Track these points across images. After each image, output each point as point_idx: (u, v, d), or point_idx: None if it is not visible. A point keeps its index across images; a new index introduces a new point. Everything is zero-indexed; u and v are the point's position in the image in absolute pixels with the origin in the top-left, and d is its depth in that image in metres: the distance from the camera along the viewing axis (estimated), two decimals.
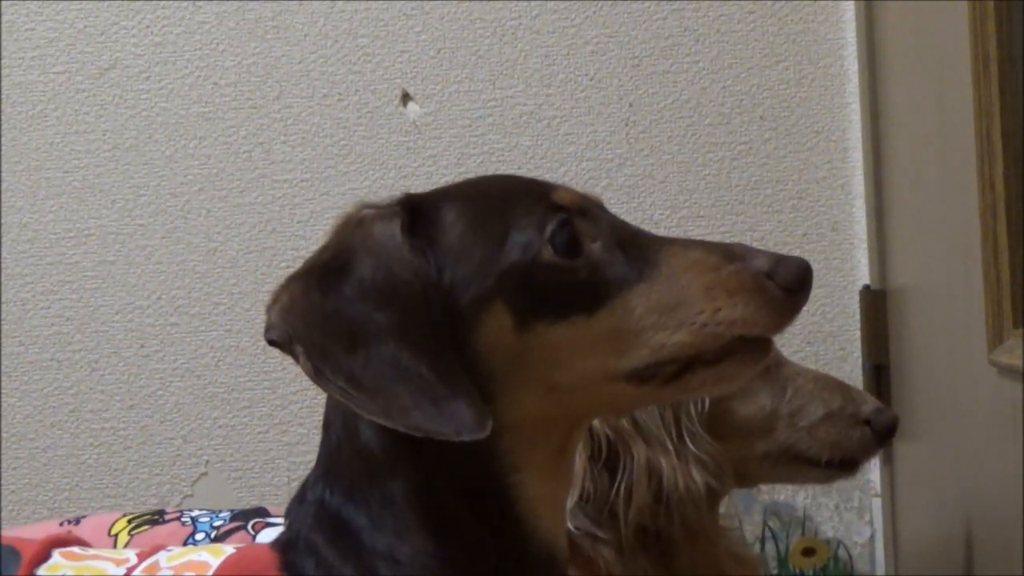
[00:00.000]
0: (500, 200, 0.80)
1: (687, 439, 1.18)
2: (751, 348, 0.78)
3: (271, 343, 0.76)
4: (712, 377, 0.78)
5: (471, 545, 0.78)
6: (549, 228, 0.77)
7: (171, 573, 0.83)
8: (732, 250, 0.79)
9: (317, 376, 0.73)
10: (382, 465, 0.78)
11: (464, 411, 0.72)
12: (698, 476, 1.16)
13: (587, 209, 0.80)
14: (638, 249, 0.79)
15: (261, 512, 1.22)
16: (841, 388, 1.26)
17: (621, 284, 0.77)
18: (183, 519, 1.21)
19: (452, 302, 0.76)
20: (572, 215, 0.78)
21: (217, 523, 1.20)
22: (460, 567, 0.77)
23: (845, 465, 1.25)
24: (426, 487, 0.77)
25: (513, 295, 0.76)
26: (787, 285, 0.77)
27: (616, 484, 1.14)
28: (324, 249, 0.79)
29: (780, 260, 0.77)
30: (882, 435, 1.25)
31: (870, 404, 1.25)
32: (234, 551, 0.84)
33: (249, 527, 1.18)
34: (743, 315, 0.77)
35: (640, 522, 1.14)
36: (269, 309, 0.76)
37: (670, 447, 1.16)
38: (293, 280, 0.77)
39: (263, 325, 0.77)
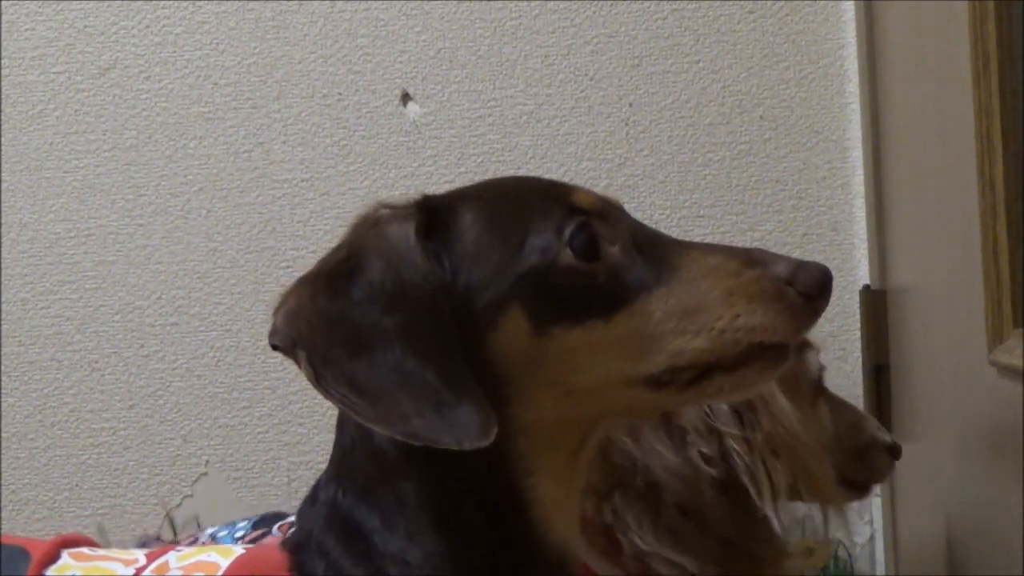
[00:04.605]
0: (518, 202, 0.80)
1: None
2: (770, 355, 0.78)
3: (274, 348, 0.75)
4: (730, 384, 0.78)
5: (483, 548, 0.78)
6: (568, 231, 0.77)
7: (181, 573, 0.83)
8: (752, 255, 0.78)
9: (318, 382, 0.73)
10: (395, 467, 0.78)
11: (469, 417, 0.72)
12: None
13: (606, 212, 0.79)
14: (657, 253, 0.78)
15: (281, 515, 1.21)
16: (866, 417, 1.31)
17: (640, 288, 0.77)
18: (201, 541, 1.19)
19: (467, 305, 0.75)
20: (591, 218, 0.78)
21: (238, 534, 1.18)
22: (471, 570, 0.77)
23: (864, 488, 1.31)
24: (439, 489, 0.77)
25: (530, 299, 0.75)
26: (807, 291, 0.77)
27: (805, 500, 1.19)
28: (337, 249, 0.79)
29: (800, 266, 0.77)
30: (895, 460, 1.31)
31: (884, 432, 1.30)
32: (244, 551, 0.84)
33: (275, 530, 1.17)
34: (762, 322, 0.76)
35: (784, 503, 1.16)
36: (275, 313, 0.76)
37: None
38: (302, 283, 0.77)
39: (267, 327, 0.76)
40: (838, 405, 1.29)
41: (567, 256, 0.76)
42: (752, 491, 1.11)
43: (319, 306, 0.75)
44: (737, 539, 1.12)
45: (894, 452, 1.30)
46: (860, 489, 1.30)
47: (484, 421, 0.72)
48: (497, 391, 0.75)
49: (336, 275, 0.76)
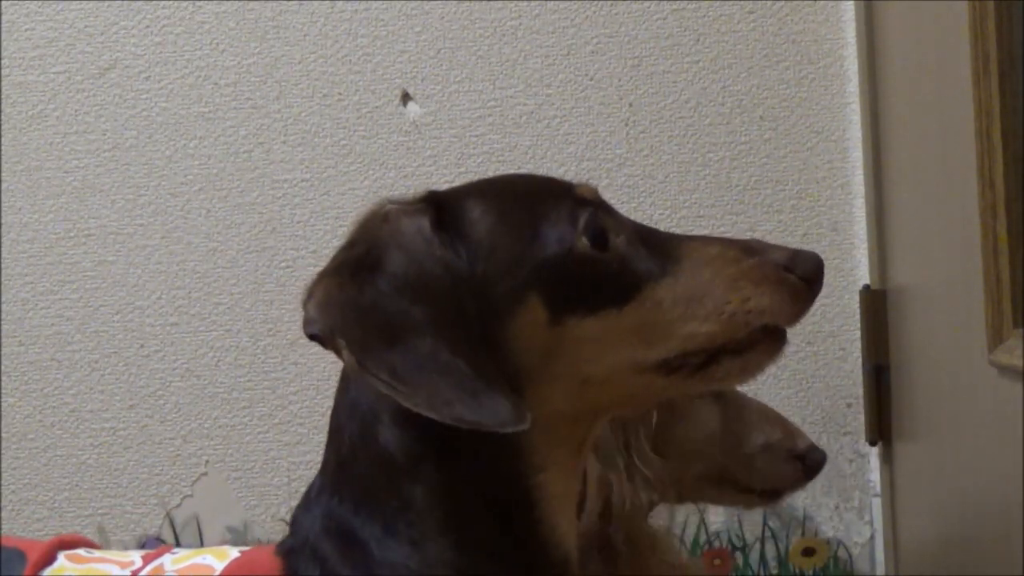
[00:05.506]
0: (525, 195, 0.81)
1: (636, 459, 1.22)
2: (772, 338, 0.81)
3: (312, 337, 0.75)
4: (737, 367, 0.81)
5: (491, 550, 0.77)
6: (581, 221, 0.78)
7: None
8: (749, 244, 0.82)
9: (361, 370, 0.73)
10: (402, 470, 0.77)
11: (502, 405, 0.73)
12: (643, 494, 1.21)
13: (607, 205, 0.81)
14: (658, 244, 0.80)
15: None
16: (780, 422, 1.31)
17: (647, 277, 0.79)
18: None
19: (484, 296, 0.76)
20: (597, 209, 0.79)
21: None
22: (477, 573, 0.77)
23: (771, 495, 1.31)
24: (448, 491, 0.77)
25: (547, 288, 0.77)
26: (806, 276, 0.80)
27: (589, 497, 1.18)
28: (351, 244, 0.79)
29: (796, 253, 0.81)
30: (811, 472, 1.30)
31: (804, 440, 1.30)
32: (239, 554, 0.84)
33: None
34: (770, 304, 0.79)
35: (589, 529, 1.17)
36: (305, 304, 0.76)
37: (621, 465, 1.20)
38: (326, 275, 0.77)
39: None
40: (732, 407, 1.29)
41: (582, 245, 0.78)
42: None
43: (349, 296, 0.75)
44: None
45: (807, 460, 1.28)
46: (763, 496, 1.30)
47: (515, 407, 0.73)
48: (512, 384, 0.75)
49: (360, 267, 0.77)
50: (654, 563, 1.23)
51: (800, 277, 0.80)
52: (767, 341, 0.81)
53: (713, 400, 1.29)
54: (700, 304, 0.79)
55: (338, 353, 0.74)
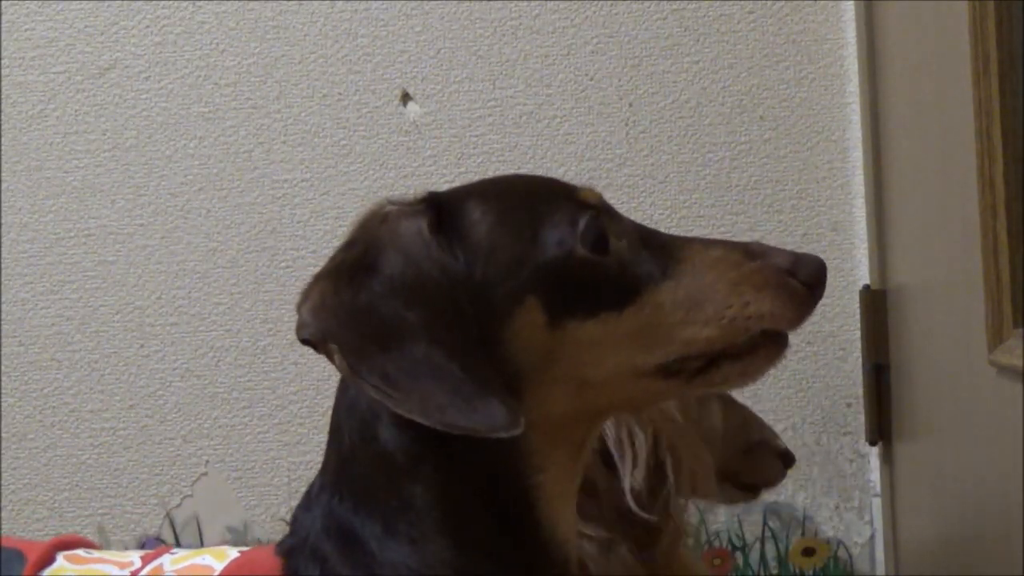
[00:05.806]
0: (526, 197, 0.81)
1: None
2: (773, 343, 0.81)
3: (304, 342, 0.75)
4: (737, 371, 0.80)
5: (491, 550, 0.77)
6: (581, 225, 0.78)
7: None
8: (752, 248, 0.81)
9: (352, 375, 0.73)
10: (402, 469, 0.77)
11: (496, 409, 0.72)
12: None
13: (610, 209, 0.81)
14: (660, 247, 0.80)
15: None
16: (761, 420, 1.35)
17: (648, 281, 0.79)
18: None
19: (483, 298, 0.76)
20: (599, 213, 0.79)
21: None
22: (476, 573, 0.77)
23: (755, 490, 1.35)
24: (447, 491, 0.77)
25: (546, 291, 0.77)
26: (808, 280, 0.80)
27: (670, 477, 1.18)
28: (349, 245, 0.79)
29: (799, 257, 0.80)
30: (787, 469, 1.35)
31: (779, 439, 1.35)
32: (239, 554, 0.84)
33: None
34: (771, 309, 0.79)
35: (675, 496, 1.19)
36: (300, 307, 0.75)
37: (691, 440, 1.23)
38: (322, 278, 0.77)
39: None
40: (730, 404, 1.32)
41: (582, 249, 0.78)
42: (617, 460, 1.14)
43: (343, 300, 0.75)
44: (628, 509, 1.15)
45: (786, 459, 1.33)
46: (748, 490, 1.34)
47: (510, 412, 0.73)
48: (511, 386, 0.75)
49: (356, 269, 0.76)
50: (672, 551, 1.23)
51: (802, 282, 0.79)
52: (767, 345, 0.80)
53: (715, 397, 1.31)
54: (700, 308, 0.78)
55: (330, 358, 0.74)
